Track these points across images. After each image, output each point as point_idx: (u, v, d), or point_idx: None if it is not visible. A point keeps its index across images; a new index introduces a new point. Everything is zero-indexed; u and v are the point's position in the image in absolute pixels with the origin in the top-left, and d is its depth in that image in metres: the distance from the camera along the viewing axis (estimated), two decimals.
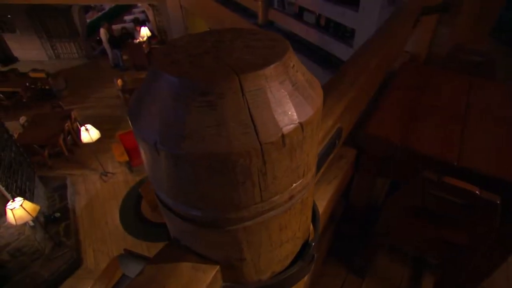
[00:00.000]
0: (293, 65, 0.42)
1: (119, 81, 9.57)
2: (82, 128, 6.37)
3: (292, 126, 0.39)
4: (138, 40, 11.35)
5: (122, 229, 6.10)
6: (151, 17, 12.23)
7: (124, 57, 12.00)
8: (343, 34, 3.86)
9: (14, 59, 12.60)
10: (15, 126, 7.97)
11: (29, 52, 12.59)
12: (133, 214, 6.34)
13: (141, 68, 11.75)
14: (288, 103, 0.39)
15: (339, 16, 3.31)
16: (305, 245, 0.60)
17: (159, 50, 0.43)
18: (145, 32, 10.94)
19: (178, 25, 8.47)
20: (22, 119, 8.17)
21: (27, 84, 9.97)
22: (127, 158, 6.95)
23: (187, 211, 0.45)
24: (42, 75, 10.39)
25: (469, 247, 1.24)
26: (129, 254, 4.92)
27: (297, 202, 0.48)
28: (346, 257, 2.05)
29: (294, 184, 0.45)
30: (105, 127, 8.10)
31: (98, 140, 6.59)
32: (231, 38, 0.46)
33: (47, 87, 10.33)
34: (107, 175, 7.25)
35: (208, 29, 0.50)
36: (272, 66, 0.38)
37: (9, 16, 11.60)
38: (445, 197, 0.99)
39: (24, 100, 9.86)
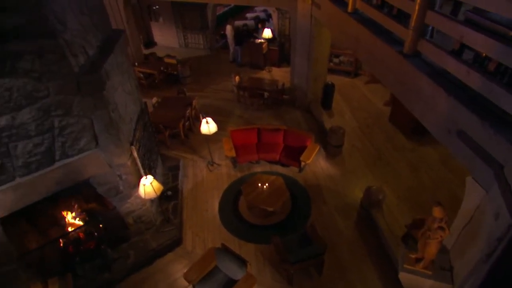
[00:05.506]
0: None
1: (237, 78, 10.19)
2: (204, 120, 6.98)
3: None
4: (259, 41, 11.88)
5: (219, 220, 6.55)
6: (274, 20, 12.64)
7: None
8: None
9: (154, 44, 14.58)
10: (147, 105, 9.21)
11: (166, 38, 14.40)
12: (231, 209, 6.73)
13: (256, 67, 12.32)
14: None
15: None
16: None
17: None
18: (267, 33, 11.37)
19: (304, 32, 8.52)
20: (154, 100, 9.40)
21: (161, 68, 11.41)
22: (234, 154, 7.39)
23: None
24: (174, 61, 11.77)
25: None
26: (226, 250, 5.25)
27: None
28: None
29: None
30: (217, 118, 8.71)
31: None
32: None
33: (175, 72, 11.66)
34: (213, 165, 7.85)
35: None
36: None
37: (157, 6, 13.41)
38: None
39: (156, 82, 11.34)
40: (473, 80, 3.34)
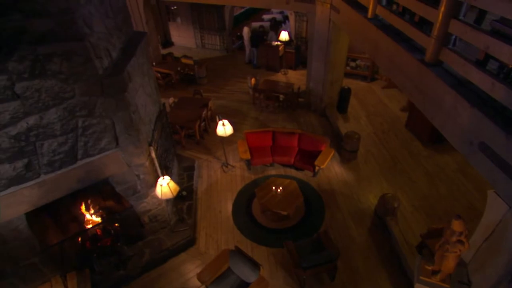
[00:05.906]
0: None
1: (253, 80, 10.23)
2: (220, 122, 7.05)
3: None
4: (275, 43, 11.89)
5: (232, 222, 6.60)
6: (291, 22, 12.63)
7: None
8: None
9: (171, 44, 14.77)
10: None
11: (183, 39, 14.57)
12: (244, 211, 6.77)
13: (272, 69, 12.33)
14: None
15: None
16: None
17: None
18: (284, 36, 11.36)
19: (322, 36, 8.49)
20: (171, 100, 9.53)
21: (178, 68, 11.56)
22: (249, 156, 7.43)
23: None
24: (191, 62, 11.89)
25: None
26: (240, 253, 5.29)
27: None
28: None
29: None
30: (232, 119, 8.78)
31: None
32: None
33: (191, 73, 11.79)
34: (227, 167, 7.92)
35: None
36: None
37: (175, 7, 13.58)
38: None
39: (173, 82, 11.49)
40: (498, 92, 3.28)
